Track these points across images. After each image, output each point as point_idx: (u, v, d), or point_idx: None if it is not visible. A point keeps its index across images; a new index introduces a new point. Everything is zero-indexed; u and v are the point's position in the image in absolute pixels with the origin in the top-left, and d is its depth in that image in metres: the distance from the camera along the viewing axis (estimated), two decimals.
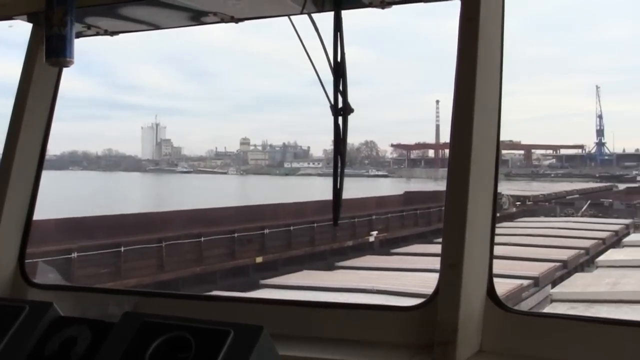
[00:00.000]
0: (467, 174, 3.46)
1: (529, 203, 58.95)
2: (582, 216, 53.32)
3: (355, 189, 51.75)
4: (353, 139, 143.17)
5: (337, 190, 3.78)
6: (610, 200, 59.29)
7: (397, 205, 46.45)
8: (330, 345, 3.76)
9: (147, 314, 2.93)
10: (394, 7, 3.84)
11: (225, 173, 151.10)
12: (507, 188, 63.75)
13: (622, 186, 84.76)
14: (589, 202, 58.51)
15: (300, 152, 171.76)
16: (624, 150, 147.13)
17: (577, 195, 67.04)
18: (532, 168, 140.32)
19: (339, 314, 3.93)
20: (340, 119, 3.73)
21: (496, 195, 3.77)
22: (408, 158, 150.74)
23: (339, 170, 3.75)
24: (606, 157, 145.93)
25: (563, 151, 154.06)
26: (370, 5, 3.84)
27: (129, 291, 4.89)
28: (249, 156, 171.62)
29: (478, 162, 3.50)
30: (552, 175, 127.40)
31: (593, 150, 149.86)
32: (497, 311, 3.61)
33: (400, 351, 3.63)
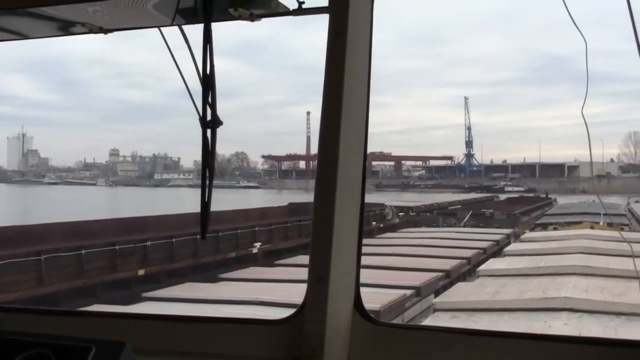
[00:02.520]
0: (334, 187, 3.45)
1: (412, 214, 60.03)
2: (464, 226, 54.42)
3: (223, 200, 51.63)
4: (224, 150, 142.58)
5: (205, 203, 3.70)
6: (492, 210, 60.83)
7: (281, 216, 46.53)
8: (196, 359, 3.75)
9: (7, 331, 2.85)
10: (264, 19, 3.87)
11: (94, 184, 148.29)
12: (390, 199, 64.78)
13: (503, 196, 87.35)
14: (470, 212, 59.90)
15: (170, 163, 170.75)
16: (491, 162, 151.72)
17: (459, 206, 69.03)
18: (403, 179, 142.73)
19: (206, 328, 3.88)
20: (209, 131, 3.66)
21: (363, 207, 3.77)
22: (279, 169, 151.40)
23: (207, 182, 3.68)
24: (475, 168, 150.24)
25: (433, 162, 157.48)
26: (239, 17, 3.83)
27: None
28: (118, 167, 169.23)
29: (345, 175, 3.49)
30: (422, 186, 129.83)
31: (462, 162, 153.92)
32: (364, 324, 3.64)
33: None
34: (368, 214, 47.75)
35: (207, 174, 3.70)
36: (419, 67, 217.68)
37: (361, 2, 3.62)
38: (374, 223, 49.29)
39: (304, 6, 3.76)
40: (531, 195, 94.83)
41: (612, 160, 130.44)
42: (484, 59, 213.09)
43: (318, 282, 3.49)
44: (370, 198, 57.99)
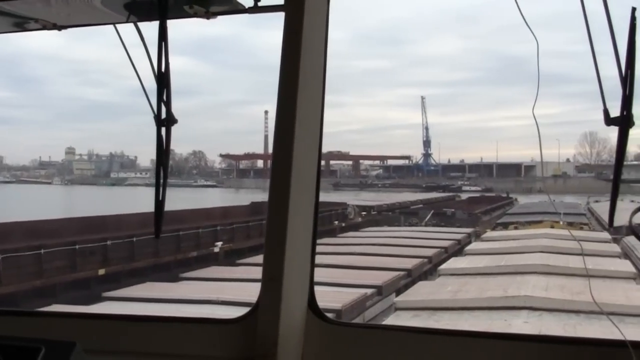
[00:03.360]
0: (288, 186, 3.45)
1: (374, 213, 59.66)
2: (426, 225, 54.40)
3: (179, 199, 51.46)
4: (181, 149, 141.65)
5: (159, 202, 3.68)
6: (453, 210, 60.85)
7: (243, 215, 46.20)
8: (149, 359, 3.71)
9: None
10: (220, 17, 3.84)
11: (49, 183, 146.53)
12: (349, 198, 64.71)
13: (463, 196, 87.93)
14: (432, 211, 59.90)
15: (127, 162, 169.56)
16: (449, 161, 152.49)
17: (421, 205, 68.88)
18: (361, 178, 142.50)
19: (159, 327, 3.85)
20: (163, 129, 3.64)
21: (318, 207, 3.79)
22: (237, 168, 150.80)
23: (161, 181, 3.65)
24: (432, 168, 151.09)
25: (391, 162, 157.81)
26: (195, 15, 3.80)
27: None
28: (74, 166, 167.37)
29: (299, 174, 3.49)
30: (380, 185, 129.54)
31: (420, 161, 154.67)
32: (318, 323, 3.64)
33: None
34: (330, 214, 48.03)
35: (162, 173, 3.67)
36: (378, 66, 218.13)
37: (317, 1, 3.60)
38: (336, 222, 49.26)
39: (259, 4, 3.74)
40: (492, 194, 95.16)
41: (568, 160, 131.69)
42: (443, 59, 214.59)
43: (272, 281, 3.48)
44: (328, 197, 57.97)
